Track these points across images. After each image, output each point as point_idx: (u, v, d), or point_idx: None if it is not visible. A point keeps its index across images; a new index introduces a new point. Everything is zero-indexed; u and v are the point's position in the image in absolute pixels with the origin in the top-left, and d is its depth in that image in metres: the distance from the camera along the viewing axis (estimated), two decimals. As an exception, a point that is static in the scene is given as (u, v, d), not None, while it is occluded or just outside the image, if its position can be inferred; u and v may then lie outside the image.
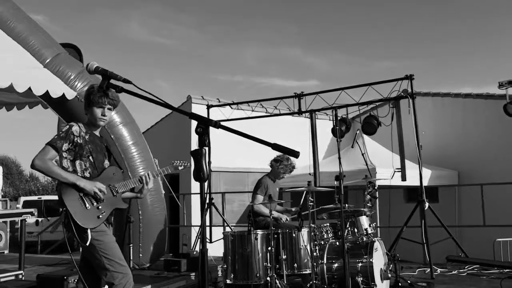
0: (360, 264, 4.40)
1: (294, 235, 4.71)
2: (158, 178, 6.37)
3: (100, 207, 3.02)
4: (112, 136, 5.93)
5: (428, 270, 5.64)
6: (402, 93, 6.21)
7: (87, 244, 2.91)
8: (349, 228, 4.78)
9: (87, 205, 2.96)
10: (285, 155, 5.55)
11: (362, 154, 5.92)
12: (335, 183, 4.53)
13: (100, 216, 3.01)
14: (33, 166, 2.93)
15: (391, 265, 4.98)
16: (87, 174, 3.06)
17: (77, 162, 3.04)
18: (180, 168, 3.48)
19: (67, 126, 3.08)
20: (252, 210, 5.54)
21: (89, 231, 2.94)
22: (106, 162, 3.22)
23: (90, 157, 3.08)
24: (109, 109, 3.18)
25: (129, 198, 3.41)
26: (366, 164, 5.95)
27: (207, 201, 7.07)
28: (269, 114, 9.80)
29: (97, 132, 3.24)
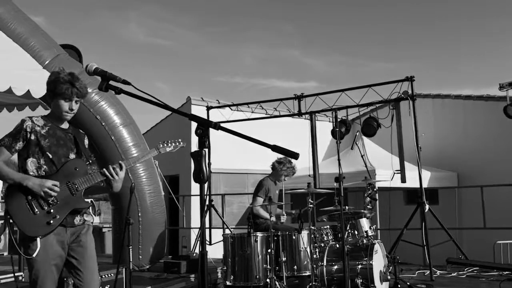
0: (360, 266, 4.40)
1: (294, 237, 4.70)
2: (158, 180, 6.38)
3: (52, 210, 2.62)
4: (112, 138, 5.94)
5: (428, 272, 5.64)
6: (403, 95, 6.21)
7: (35, 255, 2.56)
8: (349, 230, 4.78)
9: (35, 209, 2.59)
10: (287, 157, 5.57)
11: (362, 156, 5.92)
12: (335, 184, 4.53)
13: (52, 222, 2.61)
14: None
15: (391, 267, 4.97)
16: (41, 173, 2.67)
17: (29, 161, 2.67)
18: (168, 150, 2.98)
19: (19, 122, 2.72)
20: (252, 212, 5.54)
21: (38, 240, 2.57)
22: (72, 156, 2.80)
23: (48, 153, 2.69)
24: (76, 101, 2.77)
25: (101, 194, 3.17)
26: (366, 166, 5.95)
27: (207, 202, 7.07)
28: (269, 115, 9.78)
29: (63, 125, 2.84)
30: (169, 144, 2.96)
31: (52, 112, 2.83)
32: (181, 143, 3.02)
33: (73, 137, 2.87)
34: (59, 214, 2.64)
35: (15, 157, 2.77)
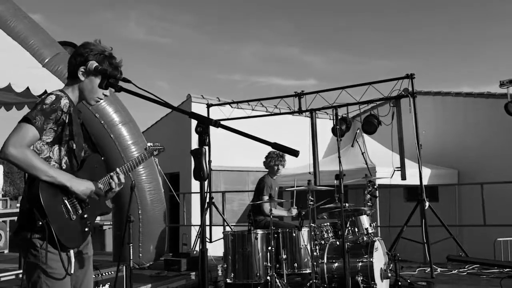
0: (360, 264, 4.40)
1: (294, 234, 4.71)
2: (158, 177, 6.37)
3: (85, 215, 2.21)
4: (111, 136, 5.93)
5: (428, 269, 5.64)
6: (403, 92, 6.20)
7: (73, 271, 2.11)
8: (350, 228, 4.78)
9: (72, 213, 2.14)
10: (269, 151, 5.65)
11: (362, 153, 5.92)
12: (335, 182, 4.53)
13: (87, 229, 2.23)
14: (4, 155, 1.99)
15: (391, 265, 4.97)
16: (62, 165, 2.19)
17: (55, 148, 2.18)
18: (155, 153, 2.70)
19: (53, 97, 2.15)
20: (252, 210, 5.54)
21: (71, 252, 2.12)
22: (86, 149, 2.41)
23: (71, 142, 2.22)
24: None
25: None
26: (366, 163, 5.95)
27: (207, 200, 7.07)
28: (269, 113, 9.78)
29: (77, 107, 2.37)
30: (154, 152, 2.69)
31: (74, 89, 2.30)
32: (162, 148, 2.78)
33: (81, 123, 2.42)
34: (90, 220, 2.26)
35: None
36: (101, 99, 2.34)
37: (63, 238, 2.05)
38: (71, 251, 2.12)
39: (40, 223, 2.00)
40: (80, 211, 2.18)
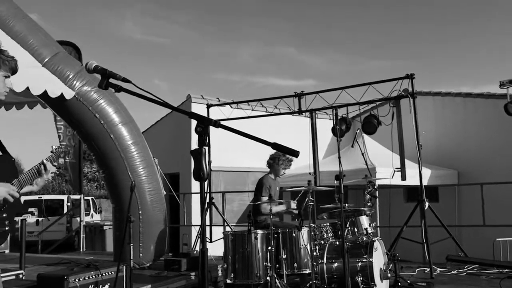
0: (360, 264, 4.40)
1: (294, 234, 4.71)
2: (158, 178, 6.38)
3: (4, 214, 2.28)
4: (111, 136, 5.93)
5: (428, 269, 5.64)
6: (403, 93, 6.20)
7: None
8: (349, 228, 4.78)
9: None
10: (276, 152, 5.62)
11: (362, 154, 5.92)
12: (335, 182, 4.53)
13: (7, 229, 2.29)
14: None
15: (391, 265, 4.98)
16: None
17: None
18: (62, 155, 2.60)
19: None
20: (252, 210, 5.54)
21: None
22: None
23: None
24: (7, 77, 2.32)
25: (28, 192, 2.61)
26: (366, 164, 5.95)
27: (207, 200, 7.07)
28: (269, 113, 9.79)
29: None
30: (58, 151, 2.60)
31: None
32: (62, 148, 2.63)
33: None
34: (11, 220, 2.31)
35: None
36: (7, 92, 2.31)
37: None
38: None
39: None
40: None
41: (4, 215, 2.27)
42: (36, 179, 2.46)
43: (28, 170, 2.43)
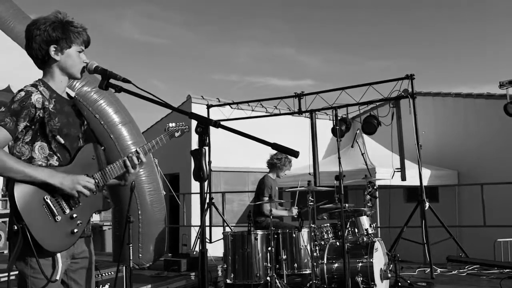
0: (360, 264, 4.40)
1: (294, 235, 4.70)
2: (158, 178, 6.37)
3: (75, 215, 1.98)
4: (111, 136, 5.93)
5: (428, 270, 5.64)
6: (403, 93, 6.20)
7: (57, 278, 1.92)
8: (350, 228, 4.78)
9: (56, 214, 1.91)
10: (277, 152, 5.63)
11: (362, 154, 5.92)
12: (335, 182, 4.53)
13: (76, 230, 1.98)
14: None
15: (391, 265, 4.97)
16: (53, 162, 1.99)
17: (37, 146, 1.96)
18: (177, 135, 2.39)
19: (22, 94, 1.94)
20: (253, 211, 5.53)
21: (59, 256, 1.93)
22: (80, 138, 2.15)
23: (59, 136, 2.00)
24: (81, 51, 2.12)
25: (112, 186, 2.33)
26: (366, 164, 5.94)
27: (207, 201, 7.07)
28: (269, 114, 9.80)
29: (64, 94, 2.13)
30: (177, 128, 2.39)
31: (52, 75, 2.08)
32: (186, 127, 2.43)
33: (77, 110, 2.18)
34: (82, 220, 2.02)
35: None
36: (86, 63, 2.11)
37: (45, 242, 1.86)
38: (58, 255, 1.93)
39: (16, 227, 1.84)
40: (67, 210, 1.95)
41: (74, 215, 1.97)
42: (127, 172, 2.18)
43: (117, 162, 2.16)
